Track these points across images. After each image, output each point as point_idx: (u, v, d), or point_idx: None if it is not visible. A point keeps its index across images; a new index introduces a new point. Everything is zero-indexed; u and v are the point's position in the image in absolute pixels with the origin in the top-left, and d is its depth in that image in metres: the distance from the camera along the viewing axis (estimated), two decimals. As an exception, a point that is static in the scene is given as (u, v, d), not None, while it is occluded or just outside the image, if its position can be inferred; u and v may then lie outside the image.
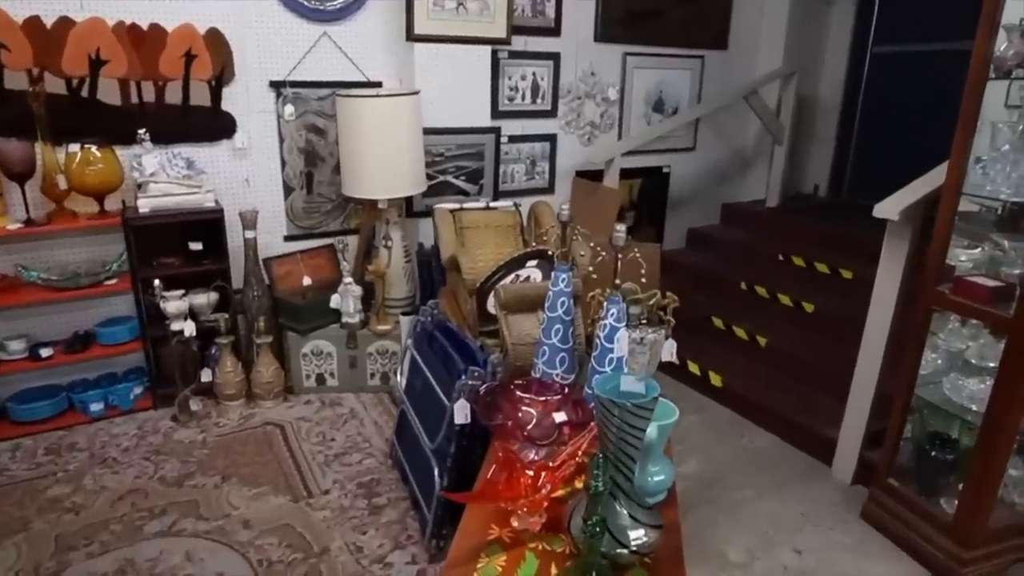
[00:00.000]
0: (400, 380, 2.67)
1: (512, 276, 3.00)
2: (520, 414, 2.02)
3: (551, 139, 4.01)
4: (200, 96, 3.05)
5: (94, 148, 2.80)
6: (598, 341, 2.03)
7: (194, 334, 3.02)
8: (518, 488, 1.67)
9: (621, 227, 2.26)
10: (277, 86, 3.20)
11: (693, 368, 3.51)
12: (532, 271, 2.94)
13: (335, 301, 3.25)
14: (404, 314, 3.16)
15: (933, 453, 2.28)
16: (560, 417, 2.00)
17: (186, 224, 2.98)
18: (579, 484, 1.79)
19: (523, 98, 3.85)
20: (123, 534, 2.32)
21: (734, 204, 4.66)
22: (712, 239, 4.40)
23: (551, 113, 3.96)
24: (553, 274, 2.23)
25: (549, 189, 4.10)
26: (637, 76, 4.21)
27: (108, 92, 2.90)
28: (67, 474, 2.64)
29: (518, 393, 2.07)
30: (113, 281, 2.93)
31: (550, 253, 2.85)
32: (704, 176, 4.74)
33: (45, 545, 2.27)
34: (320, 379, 3.28)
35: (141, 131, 2.87)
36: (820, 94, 4.80)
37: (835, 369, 3.02)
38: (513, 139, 3.86)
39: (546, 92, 3.91)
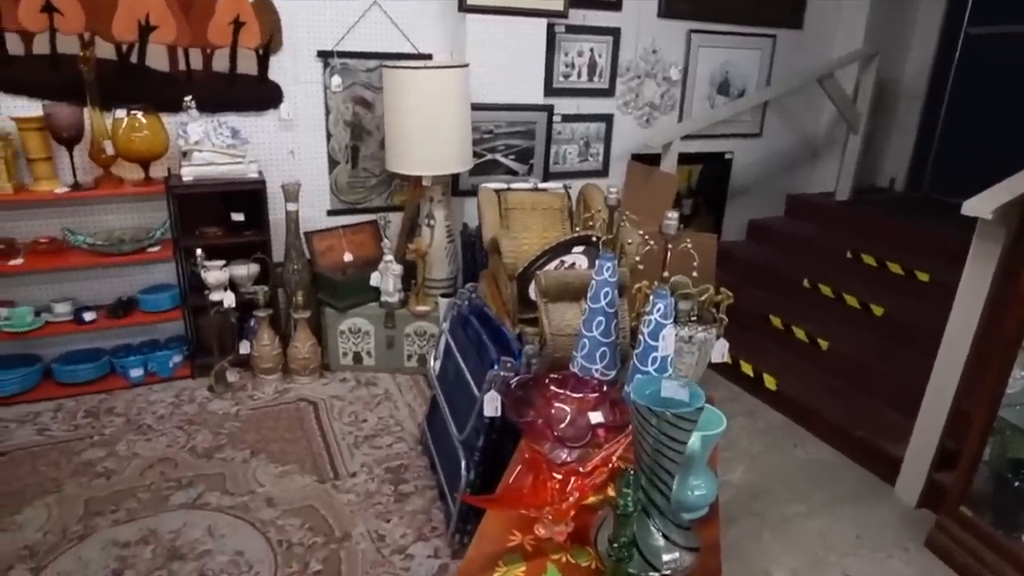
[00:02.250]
0: (434, 364, 2.56)
1: (557, 262, 2.85)
2: (552, 411, 1.88)
3: (607, 119, 3.81)
4: (247, 65, 2.99)
5: (141, 115, 2.76)
6: (642, 338, 1.86)
7: (233, 305, 2.98)
8: (544, 494, 1.53)
9: (673, 215, 2.08)
10: (325, 56, 3.10)
11: (746, 368, 3.29)
12: (578, 258, 2.77)
13: (375, 279, 3.16)
14: (444, 296, 3.05)
15: (1016, 483, 2.02)
16: (596, 417, 1.85)
17: (229, 194, 2.93)
18: (612, 492, 1.64)
19: (579, 75, 3.65)
20: (149, 503, 2.29)
21: (800, 195, 4.36)
22: (774, 232, 4.13)
23: (608, 92, 3.76)
24: (597, 262, 2.06)
25: (603, 172, 3.91)
26: (702, 55, 3.95)
27: (156, 58, 2.86)
28: (103, 438, 2.64)
29: (552, 388, 1.93)
30: (156, 249, 2.91)
31: (595, 239, 2.67)
32: (769, 164, 4.45)
33: (74, 508, 2.26)
34: (357, 357, 3.21)
35: (187, 98, 2.83)
36: (903, 78, 4.42)
37: (904, 380, 2.77)
38: (567, 118, 3.67)
39: (604, 70, 3.70)
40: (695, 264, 2.16)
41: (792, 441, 2.90)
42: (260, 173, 2.97)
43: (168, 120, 2.87)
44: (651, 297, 1.85)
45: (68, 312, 2.89)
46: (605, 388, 1.90)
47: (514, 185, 3.17)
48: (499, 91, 3.31)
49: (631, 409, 1.38)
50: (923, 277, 3.29)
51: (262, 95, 3.06)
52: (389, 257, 3.11)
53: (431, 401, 2.58)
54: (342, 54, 3.12)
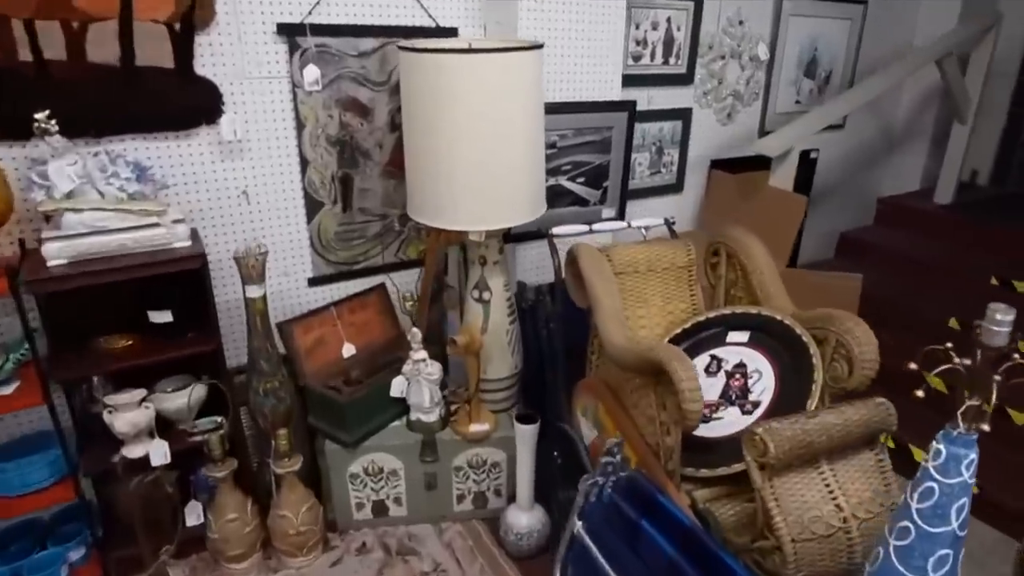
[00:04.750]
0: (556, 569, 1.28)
1: (706, 359, 1.60)
2: None
3: (684, 115, 2.54)
4: (155, 50, 1.55)
5: (-48, 148, 1.31)
6: None
7: (167, 461, 1.61)
8: None
9: (1006, 314, 0.96)
10: (291, 32, 1.70)
11: (918, 456, 2.15)
12: (747, 354, 1.52)
13: (398, 387, 1.83)
14: (522, 420, 1.72)
15: None
16: None
17: (142, 280, 1.51)
18: None
19: (652, 56, 2.37)
20: None
21: (893, 199, 3.23)
22: (876, 249, 2.99)
23: (686, 79, 2.49)
24: (944, 449, 0.88)
25: (677, 186, 2.66)
26: (792, 27, 2.73)
27: (-23, 41, 1.39)
28: None
29: None
30: (10, 389, 1.48)
31: (799, 335, 1.43)
32: (851, 162, 3.30)
33: None
34: (379, 507, 1.87)
35: (41, 115, 1.38)
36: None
37: None
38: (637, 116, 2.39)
39: (682, 47, 2.43)
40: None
41: None
42: (193, 237, 1.58)
43: (8, 156, 1.43)
44: None
45: None
46: None
47: (598, 227, 1.88)
48: (565, 85, 1.99)
49: None
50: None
51: (186, 102, 1.62)
52: (421, 354, 1.77)
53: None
54: (318, 29, 1.72)
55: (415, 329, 1.76)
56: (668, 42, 2.37)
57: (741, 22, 2.55)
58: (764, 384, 1.44)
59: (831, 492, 1.23)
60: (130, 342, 1.60)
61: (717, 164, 2.69)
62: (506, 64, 1.48)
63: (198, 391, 1.67)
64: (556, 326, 1.91)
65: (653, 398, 1.32)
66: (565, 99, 2.00)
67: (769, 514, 1.17)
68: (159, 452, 1.60)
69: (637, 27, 2.27)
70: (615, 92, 2.09)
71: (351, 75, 1.81)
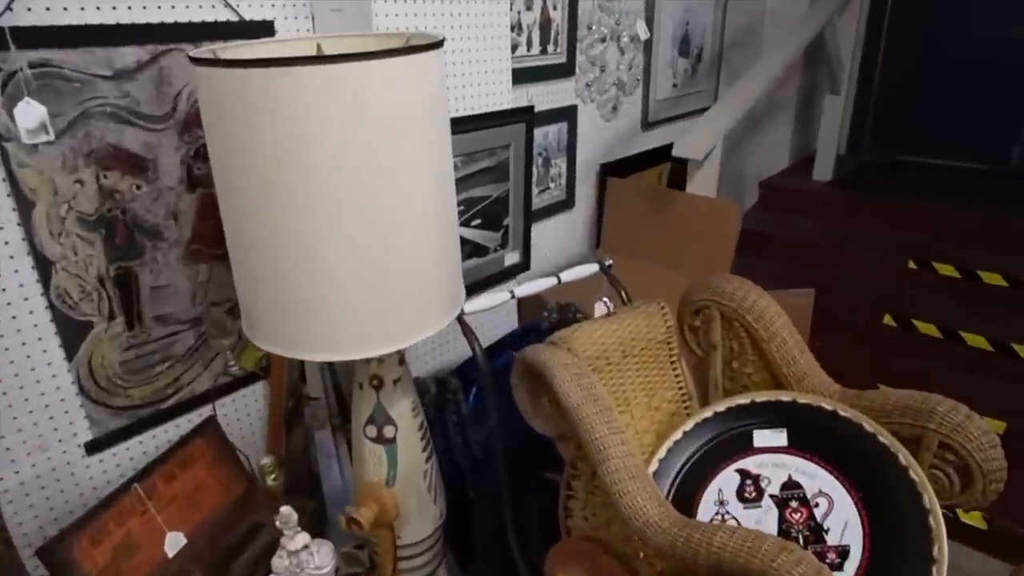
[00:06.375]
0: None
1: (731, 475, 1.26)
2: None
3: (570, 115, 2.21)
4: None
5: None
6: None
7: None
8: None
9: None
10: (-22, 47, 1.03)
11: None
12: (790, 464, 1.21)
13: (270, 592, 1.26)
14: None
15: None
16: None
17: None
18: None
19: (529, 45, 1.98)
20: None
21: (774, 181, 3.23)
22: (771, 240, 2.94)
23: (568, 69, 2.15)
24: None
25: (568, 203, 2.32)
26: (665, 1, 2.52)
27: None
28: None
29: None
30: None
31: (871, 433, 1.14)
32: (725, 146, 3.24)
33: None
34: None
35: None
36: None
37: None
38: (516, 124, 1.99)
39: (560, 31, 2.08)
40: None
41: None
42: None
43: None
44: None
45: None
46: None
47: (521, 291, 1.46)
48: (450, 95, 1.53)
49: None
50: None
51: None
52: (300, 539, 1.22)
53: None
54: (32, 35, 1.06)
55: (285, 509, 1.20)
56: (545, 25, 2.00)
57: (618, -5, 2.27)
58: (842, 516, 1.11)
59: None
60: None
61: (607, 169, 2.42)
62: (402, 72, 0.98)
63: None
64: (490, 444, 1.46)
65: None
66: (452, 115, 1.54)
67: None
68: None
69: (510, 7, 1.87)
70: (506, 97, 1.67)
71: (107, 110, 1.17)
